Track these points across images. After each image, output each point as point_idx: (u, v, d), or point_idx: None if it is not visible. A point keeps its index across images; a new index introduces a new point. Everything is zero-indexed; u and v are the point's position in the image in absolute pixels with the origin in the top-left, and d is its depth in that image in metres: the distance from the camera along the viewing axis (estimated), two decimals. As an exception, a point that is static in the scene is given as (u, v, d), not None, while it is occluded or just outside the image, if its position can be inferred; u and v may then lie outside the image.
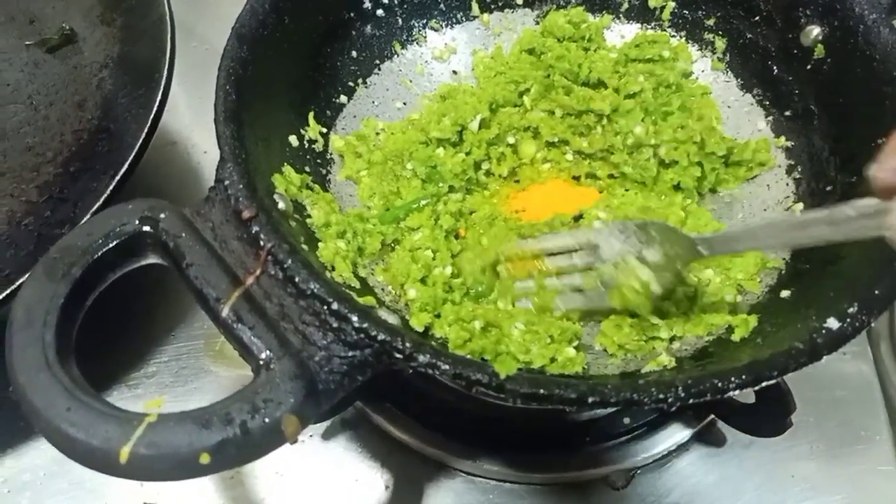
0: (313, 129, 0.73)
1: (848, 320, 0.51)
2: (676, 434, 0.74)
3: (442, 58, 0.84)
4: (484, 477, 0.74)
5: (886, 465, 0.74)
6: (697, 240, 0.59)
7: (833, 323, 0.51)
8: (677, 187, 0.75)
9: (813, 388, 0.77)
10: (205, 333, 0.78)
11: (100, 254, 0.52)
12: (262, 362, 0.49)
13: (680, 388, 0.48)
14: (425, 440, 0.73)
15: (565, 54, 0.80)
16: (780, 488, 0.74)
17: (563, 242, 0.67)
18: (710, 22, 0.80)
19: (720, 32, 0.80)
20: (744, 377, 0.49)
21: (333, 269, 0.61)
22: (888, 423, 0.76)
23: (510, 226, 0.73)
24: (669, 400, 0.48)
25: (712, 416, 0.74)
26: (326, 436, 0.75)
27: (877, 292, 0.52)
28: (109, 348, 0.78)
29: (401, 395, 0.75)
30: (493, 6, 0.86)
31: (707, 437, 0.76)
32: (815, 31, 0.71)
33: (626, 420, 0.74)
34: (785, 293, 0.64)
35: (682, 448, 0.75)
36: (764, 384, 0.49)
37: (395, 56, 0.82)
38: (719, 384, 0.49)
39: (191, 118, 0.97)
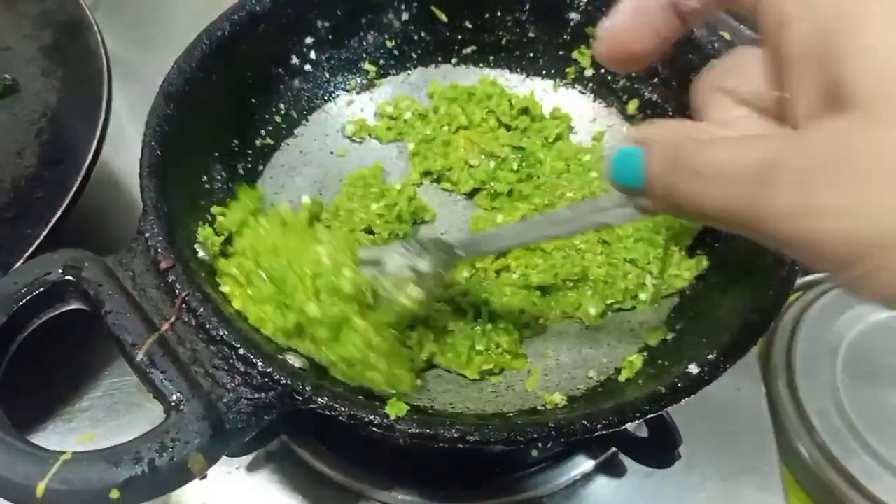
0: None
1: (706, 367, 0.56)
2: (581, 465, 0.79)
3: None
4: (400, 507, 0.78)
5: (774, 496, 0.79)
6: (455, 244, 0.65)
7: (693, 368, 0.56)
8: None
9: (708, 422, 0.82)
10: (134, 373, 0.82)
11: (24, 301, 0.56)
12: (172, 403, 0.53)
13: (552, 429, 0.53)
14: (345, 472, 0.77)
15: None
16: (674, 516, 0.79)
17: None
18: (619, 84, 0.86)
19: (628, 94, 0.85)
20: (610, 418, 0.53)
21: None
22: (778, 454, 0.82)
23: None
24: (543, 439, 0.53)
25: (614, 448, 0.79)
26: (251, 468, 0.79)
27: (734, 341, 0.57)
28: (47, 383, 0.82)
29: (323, 429, 0.79)
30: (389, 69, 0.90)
31: (609, 468, 0.81)
32: (706, 93, 0.77)
33: (534, 453, 0.79)
34: (670, 336, 0.69)
35: (586, 478, 0.80)
36: (628, 424, 0.54)
37: (323, 108, 0.87)
38: (588, 424, 0.53)
39: (138, 156, 1.00)
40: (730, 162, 0.36)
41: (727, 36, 0.75)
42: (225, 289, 0.64)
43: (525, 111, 0.86)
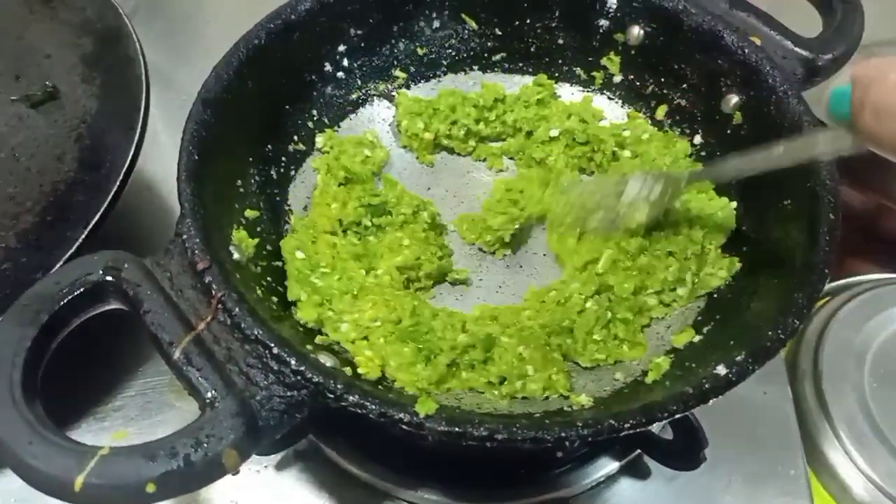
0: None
1: (734, 368, 0.56)
2: (606, 466, 0.79)
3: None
4: (426, 506, 0.79)
5: (799, 500, 0.79)
6: (681, 175, 0.73)
7: (721, 370, 0.57)
8: None
9: (733, 425, 0.82)
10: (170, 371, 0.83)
11: (65, 301, 0.58)
12: (207, 401, 0.55)
13: (580, 428, 0.54)
14: (372, 471, 0.78)
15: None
16: (699, 519, 0.79)
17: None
18: (648, 90, 0.87)
19: (657, 99, 0.86)
20: (637, 418, 0.54)
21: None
22: (804, 458, 0.82)
23: None
24: (571, 437, 0.54)
25: (638, 450, 0.79)
26: (280, 467, 0.80)
27: (762, 343, 0.58)
28: (81, 382, 0.83)
29: (351, 428, 0.80)
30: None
31: (634, 470, 0.81)
32: (734, 99, 0.78)
33: (559, 454, 0.80)
34: (697, 338, 0.70)
35: (610, 480, 0.80)
36: (655, 424, 0.55)
37: (354, 115, 0.89)
38: (615, 424, 0.54)
39: (171, 162, 1.03)
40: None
41: (758, 41, 0.75)
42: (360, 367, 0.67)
43: None
